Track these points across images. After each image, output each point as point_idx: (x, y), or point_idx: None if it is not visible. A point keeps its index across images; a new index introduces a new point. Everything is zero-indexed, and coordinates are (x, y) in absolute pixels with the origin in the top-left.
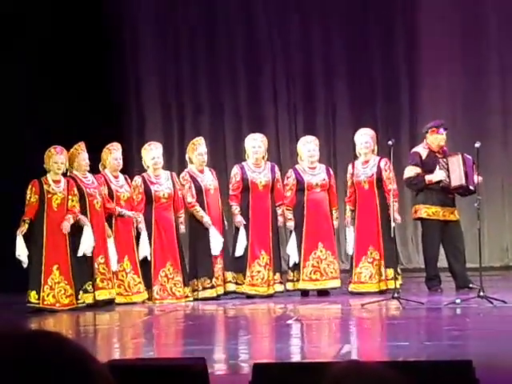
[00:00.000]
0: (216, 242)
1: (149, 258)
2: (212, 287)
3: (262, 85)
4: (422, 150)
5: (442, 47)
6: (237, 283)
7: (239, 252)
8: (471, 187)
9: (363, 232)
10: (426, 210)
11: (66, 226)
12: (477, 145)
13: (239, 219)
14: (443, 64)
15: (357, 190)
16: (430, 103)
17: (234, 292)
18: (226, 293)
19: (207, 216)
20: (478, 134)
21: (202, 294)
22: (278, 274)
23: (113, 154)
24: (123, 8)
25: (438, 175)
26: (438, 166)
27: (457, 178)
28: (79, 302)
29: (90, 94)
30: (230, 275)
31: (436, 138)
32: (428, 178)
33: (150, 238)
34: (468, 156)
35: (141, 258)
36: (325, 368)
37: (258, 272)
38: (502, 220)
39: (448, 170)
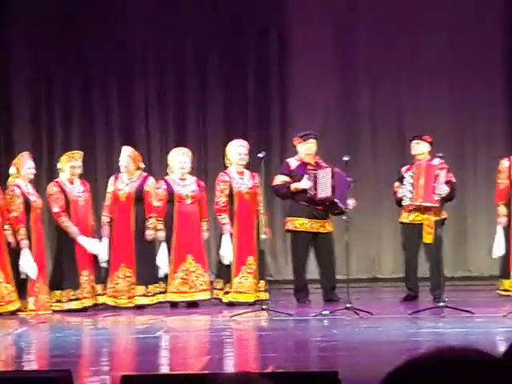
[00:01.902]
0: (90, 246)
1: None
2: (77, 299)
3: (133, 96)
4: (293, 160)
5: (313, 58)
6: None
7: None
8: (336, 201)
9: (243, 242)
10: (292, 222)
11: None
12: (345, 158)
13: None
14: (315, 77)
15: (236, 199)
16: (302, 117)
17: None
18: (97, 305)
19: (74, 226)
20: (348, 145)
21: (67, 306)
22: (142, 287)
23: None
24: None
25: (303, 183)
26: (305, 176)
27: (323, 190)
28: None
29: None
30: (99, 288)
31: (302, 148)
32: (293, 185)
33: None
34: (343, 174)
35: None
36: (203, 380)
37: (117, 284)
38: (370, 232)
39: (316, 182)
